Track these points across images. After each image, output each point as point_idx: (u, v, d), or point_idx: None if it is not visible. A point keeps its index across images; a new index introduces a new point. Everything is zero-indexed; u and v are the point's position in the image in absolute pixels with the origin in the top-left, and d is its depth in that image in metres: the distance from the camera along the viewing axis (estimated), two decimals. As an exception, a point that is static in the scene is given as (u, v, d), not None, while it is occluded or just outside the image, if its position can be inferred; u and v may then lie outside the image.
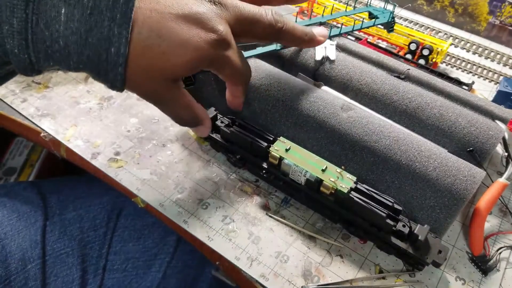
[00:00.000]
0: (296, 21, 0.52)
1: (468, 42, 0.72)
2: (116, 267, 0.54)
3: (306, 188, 0.40)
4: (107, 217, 0.55)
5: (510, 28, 0.71)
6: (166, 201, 0.43)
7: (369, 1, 0.55)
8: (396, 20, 0.56)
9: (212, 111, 0.45)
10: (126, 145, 0.48)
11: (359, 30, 0.54)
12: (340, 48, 0.52)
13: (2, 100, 0.51)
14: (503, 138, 0.44)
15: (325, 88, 0.48)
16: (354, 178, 0.38)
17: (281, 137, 0.42)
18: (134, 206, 0.45)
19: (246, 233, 0.41)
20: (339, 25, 0.51)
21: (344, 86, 0.47)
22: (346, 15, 0.54)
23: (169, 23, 0.32)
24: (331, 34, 0.49)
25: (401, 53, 0.61)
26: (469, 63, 0.67)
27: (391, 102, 0.45)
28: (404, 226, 0.37)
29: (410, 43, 0.62)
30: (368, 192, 0.38)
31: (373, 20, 0.53)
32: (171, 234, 0.56)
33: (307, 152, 0.40)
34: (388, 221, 0.37)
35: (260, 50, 0.46)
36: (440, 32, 0.74)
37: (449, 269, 0.40)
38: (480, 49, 0.71)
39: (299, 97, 0.43)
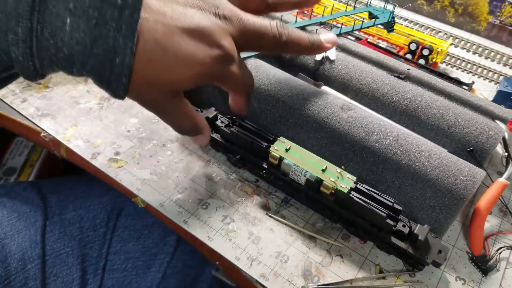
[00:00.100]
0: (296, 21, 0.52)
1: (468, 42, 0.72)
2: (116, 267, 0.54)
3: (306, 188, 0.40)
4: (107, 217, 0.55)
5: (510, 28, 0.71)
6: (166, 201, 0.43)
7: (369, 1, 0.55)
8: (396, 20, 0.56)
9: (212, 111, 0.45)
10: (126, 145, 0.48)
11: (359, 30, 0.54)
12: (340, 48, 0.52)
13: (2, 100, 0.51)
14: (503, 138, 0.44)
15: (325, 88, 0.48)
16: (354, 178, 0.38)
17: (281, 137, 0.42)
18: (134, 206, 0.45)
19: (246, 233, 0.41)
20: (339, 25, 0.51)
21: (344, 86, 0.47)
22: (346, 15, 0.54)
23: (175, 36, 0.32)
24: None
25: (401, 53, 0.61)
26: (469, 63, 0.67)
27: (391, 102, 0.45)
28: (404, 226, 0.37)
29: (410, 43, 0.62)
30: (368, 192, 0.38)
31: (373, 20, 0.53)
32: (171, 234, 0.56)
33: (307, 152, 0.40)
34: (388, 221, 0.37)
35: (260, 50, 0.46)
36: (440, 32, 0.74)
37: (449, 269, 0.40)
38: (480, 49, 0.71)
39: (299, 97, 0.43)
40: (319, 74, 0.49)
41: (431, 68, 0.55)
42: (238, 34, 0.35)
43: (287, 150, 0.40)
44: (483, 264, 0.40)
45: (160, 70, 0.32)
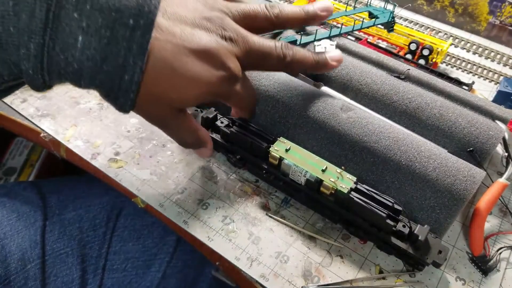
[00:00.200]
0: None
1: (468, 42, 0.72)
2: (116, 267, 0.54)
3: (306, 188, 0.40)
4: (106, 217, 0.55)
5: (510, 28, 0.71)
6: (166, 201, 0.43)
7: (369, 1, 0.55)
8: (396, 20, 0.56)
9: (211, 111, 0.45)
10: (126, 145, 0.48)
11: (359, 30, 0.53)
12: (340, 48, 0.52)
13: (2, 100, 0.51)
14: (503, 138, 0.44)
15: (325, 88, 0.48)
16: (354, 179, 0.38)
17: (281, 137, 0.42)
18: (134, 206, 0.45)
19: (246, 233, 0.41)
20: (339, 25, 0.51)
21: (344, 87, 0.47)
22: (346, 15, 0.54)
23: (183, 57, 0.33)
24: (331, 34, 0.49)
25: (401, 53, 0.61)
26: (469, 63, 0.67)
27: (391, 102, 0.45)
28: (404, 226, 0.37)
29: (410, 43, 0.62)
30: (368, 192, 0.38)
31: (373, 20, 0.53)
32: (170, 234, 0.56)
33: (307, 152, 0.40)
34: (388, 221, 0.37)
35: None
36: (440, 32, 0.74)
37: (449, 269, 0.40)
38: (480, 49, 0.71)
39: (299, 97, 0.43)
40: (318, 75, 0.49)
41: (431, 68, 0.55)
42: (243, 55, 0.36)
43: (287, 150, 0.40)
44: (483, 265, 0.40)
45: (167, 88, 0.33)
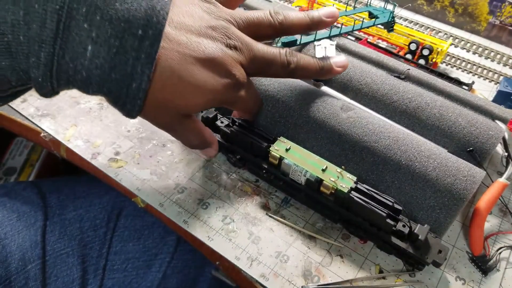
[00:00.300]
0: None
1: (468, 42, 0.72)
2: (116, 267, 0.54)
3: (306, 188, 0.40)
4: (107, 217, 0.55)
5: (510, 28, 0.71)
6: (166, 201, 0.43)
7: (369, 1, 0.55)
8: (396, 20, 0.56)
9: (212, 111, 0.45)
10: (126, 145, 0.48)
11: (359, 30, 0.54)
12: (340, 48, 0.52)
13: (2, 100, 0.51)
14: (503, 138, 0.44)
15: (325, 88, 0.48)
16: (354, 178, 0.38)
17: (281, 137, 0.42)
18: (134, 206, 0.45)
19: (246, 233, 0.41)
20: (339, 25, 0.51)
21: (344, 86, 0.47)
22: (346, 15, 0.54)
23: (189, 65, 0.33)
24: (331, 34, 0.49)
25: (401, 53, 0.61)
26: (469, 63, 0.67)
27: (391, 102, 0.45)
28: (404, 226, 0.37)
29: (410, 43, 0.62)
30: (368, 192, 0.38)
31: (373, 20, 0.53)
32: (171, 234, 0.56)
33: (307, 152, 0.41)
34: (388, 221, 0.37)
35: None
36: (440, 32, 0.74)
37: (449, 269, 0.40)
38: (480, 49, 0.71)
39: (299, 97, 0.43)
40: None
41: (431, 68, 0.55)
42: (248, 62, 0.37)
43: (287, 150, 0.40)
44: (483, 264, 0.40)
45: (174, 95, 0.34)
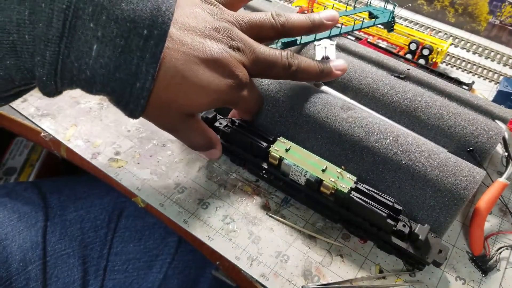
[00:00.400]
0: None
1: (468, 42, 0.72)
2: (117, 268, 0.54)
3: (306, 188, 0.40)
4: (108, 218, 0.55)
5: (510, 28, 0.71)
6: (166, 201, 0.43)
7: (369, 1, 0.55)
8: (396, 20, 0.56)
9: (211, 112, 0.45)
10: (126, 145, 0.48)
11: (359, 30, 0.54)
12: (340, 48, 0.52)
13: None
14: (503, 138, 0.44)
15: (325, 88, 0.48)
16: (354, 178, 0.38)
17: (281, 137, 0.42)
18: (135, 207, 0.45)
19: (246, 233, 0.41)
20: (339, 25, 0.51)
21: (344, 86, 0.47)
22: (346, 15, 0.54)
23: (193, 65, 0.34)
24: (331, 34, 0.49)
25: (401, 53, 0.61)
26: (469, 63, 0.67)
27: (391, 102, 0.45)
28: (404, 226, 0.37)
29: (410, 43, 0.62)
30: (368, 192, 0.38)
31: (373, 20, 0.53)
32: (172, 234, 0.56)
33: (307, 152, 0.41)
34: (389, 221, 0.37)
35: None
36: (440, 32, 0.74)
37: (449, 269, 0.40)
38: (480, 49, 0.71)
39: (299, 97, 0.43)
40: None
41: (431, 68, 0.55)
42: (250, 64, 0.38)
43: (287, 150, 0.40)
44: (483, 264, 0.40)
45: (178, 95, 0.34)
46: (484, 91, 0.61)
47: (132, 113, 0.34)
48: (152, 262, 0.55)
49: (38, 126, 0.49)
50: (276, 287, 0.37)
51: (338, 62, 0.43)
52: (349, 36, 0.60)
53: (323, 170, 0.39)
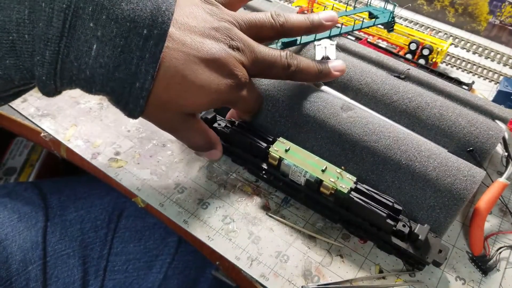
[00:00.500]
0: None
1: (468, 42, 0.72)
2: (117, 268, 0.54)
3: (306, 188, 0.40)
4: (108, 218, 0.55)
5: (510, 28, 0.71)
6: (166, 201, 0.43)
7: (369, 1, 0.55)
8: (396, 20, 0.56)
9: (210, 112, 0.45)
10: (126, 145, 0.48)
11: (359, 30, 0.53)
12: (340, 48, 0.52)
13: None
14: (503, 138, 0.44)
15: (325, 88, 0.48)
16: (354, 178, 0.38)
17: (280, 137, 0.42)
18: (135, 207, 0.45)
19: (246, 233, 0.41)
20: (339, 25, 0.51)
21: (344, 86, 0.47)
22: (346, 15, 0.54)
23: (193, 65, 0.34)
24: (331, 34, 0.49)
25: (401, 53, 0.61)
26: (469, 63, 0.67)
27: (391, 102, 0.45)
28: (404, 226, 0.37)
29: (410, 43, 0.62)
30: (368, 192, 0.38)
31: (373, 20, 0.53)
32: (172, 235, 0.56)
33: (307, 152, 0.40)
34: (388, 221, 0.37)
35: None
36: (440, 32, 0.74)
37: (449, 269, 0.40)
38: (480, 49, 0.71)
39: (298, 97, 0.43)
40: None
41: (431, 68, 0.55)
42: (250, 63, 0.38)
43: (286, 150, 0.40)
44: (483, 264, 0.40)
45: (177, 95, 0.34)
46: (484, 91, 0.61)
47: (131, 113, 0.34)
48: (152, 262, 0.55)
49: (38, 126, 0.49)
50: (276, 287, 0.37)
51: (336, 63, 0.43)
52: (349, 36, 0.60)
53: (323, 171, 0.39)
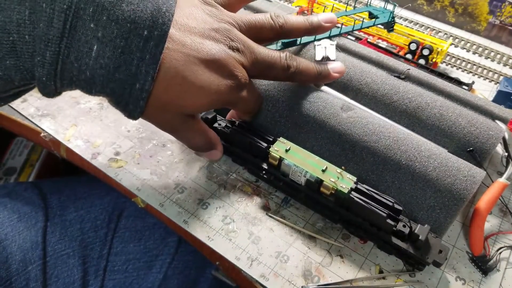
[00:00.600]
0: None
1: (468, 42, 0.72)
2: (117, 268, 0.54)
3: (306, 188, 0.40)
4: (108, 218, 0.55)
5: (510, 28, 0.71)
6: (166, 201, 0.43)
7: (369, 1, 0.55)
8: (396, 20, 0.56)
9: (210, 112, 0.45)
10: (126, 145, 0.48)
11: (359, 30, 0.54)
12: (340, 48, 0.52)
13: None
14: (503, 138, 0.44)
15: (325, 88, 0.48)
16: (354, 178, 0.38)
17: (280, 137, 0.42)
18: (135, 207, 0.45)
19: (246, 233, 0.41)
20: (339, 25, 0.51)
21: (344, 86, 0.47)
22: (346, 15, 0.54)
23: (193, 66, 0.34)
24: (331, 34, 0.49)
25: (401, 53, 0.61)
26: (469, 63, 0.67)
27: (391, 102, 0.45)
28: (404, 226, 0.37)
29: (410, 43, 0.62)
30: (368, 192, 0.38)
31: (373, 20, 0.53)
32: (172, 235, 0.56)
33: (307, 152, 0.40)
34: (389, 221, 0.37)
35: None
36: (440, 32, 0.74)
37: (449, 269, 0.40)
38: (480, 49, 0.71)
39: (299, 97, 0.43)
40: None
41: (431, 68, 0.55)
42: (249, 65, 0.38)
43: (287, 150, 0.40)
44: (483, 264, 0.40)
45: (177, 96, 0.34)
46: (484, 91, 0.61)
47: (131, 114, 0.34)
48: (152, 262, 0.55)
49: (38, 126, 0.49)
50: (276, 287, 0.37)
51: (335, 64, 0.43)
52: (349, 36, 0.60)
53: (323, 171, 0.39)
